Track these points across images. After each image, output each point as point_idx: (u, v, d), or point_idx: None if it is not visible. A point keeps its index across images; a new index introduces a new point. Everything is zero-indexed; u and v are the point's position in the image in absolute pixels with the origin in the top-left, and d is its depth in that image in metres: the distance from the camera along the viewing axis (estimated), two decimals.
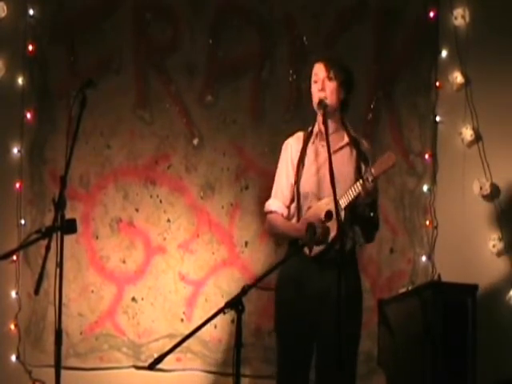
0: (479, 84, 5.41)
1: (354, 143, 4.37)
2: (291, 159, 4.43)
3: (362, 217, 4.27)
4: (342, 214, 4.18)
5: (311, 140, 4.43)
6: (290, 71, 5.51)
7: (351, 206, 4.18)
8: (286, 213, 4.43)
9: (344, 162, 4.30)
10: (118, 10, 5.59)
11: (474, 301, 4.60)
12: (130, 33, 5.60)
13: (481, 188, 5.39)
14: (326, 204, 4.25)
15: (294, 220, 4.40)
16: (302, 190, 4.36)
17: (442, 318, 4.54)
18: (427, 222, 5.44)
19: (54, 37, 5.59)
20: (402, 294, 4.99)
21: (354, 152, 4.36)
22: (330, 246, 4.18)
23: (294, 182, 4.40)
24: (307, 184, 4.35)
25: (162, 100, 5.58)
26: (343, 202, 4.19)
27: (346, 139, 4.38)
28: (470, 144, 5.44)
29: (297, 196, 4.38)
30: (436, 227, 5.42)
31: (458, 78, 5.44)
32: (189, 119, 5.57)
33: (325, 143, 4.32)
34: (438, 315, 4.53)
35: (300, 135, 4.49)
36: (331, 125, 4.35)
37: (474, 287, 4.70)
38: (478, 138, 5.42)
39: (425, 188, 5.46)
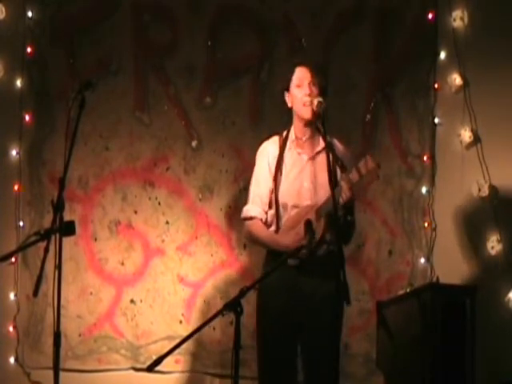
0: (478, 86, 5.41)
1: (329, 148, 4.34)
2: (268, 165, 4.41)
3: (340, 221, 4.25)
4: (322, 220, 4.19)
5: (287, 146, 4.41)
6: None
7: (330, 211, 4.14)
8: (264, 218, 4.42)
9: (321, 168, 4.27)
10: (116, 11, 5.59)
11: (472, 302, 4.60)
12: (129, 34, 5.60)
13: (479, 190, 5.39)
14: (306, 212, 4.25)
15: (273, 228, 4.40)
16: (280, 199, 4.35)
17: (440, 320, 4.53)
18: (426, 224, 5.44)
19: (53, 38, 5.60)
20: (401, 295, 4.98)
21: (330, 157, 4.34)
22: (313, 252, 4.20)
23: (272, 188, 4.39)
24: (286, 194, 4.34)
25: (160, 102, 5.58)
26: (323, 209, 4.19)
27: (322, 144, 4.35)
28: (469, 146, 5.44)
29: (276, 205, 4.37)
30: (435, 229, 5.42)
31: (456, 79, 5.44)
32: (187, 121, 5.57)
33: (301, 150, 4.34)
34: (436, 317, 4.53)
35: (276, 140, 4.48)
36: (308, 130, 4.36)
37: (473, 289, 4.69)
38: (476, 139, 5.42)
39: (423, 190, 5.46)
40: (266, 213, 4.43)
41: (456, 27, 5.46)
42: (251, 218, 4.44)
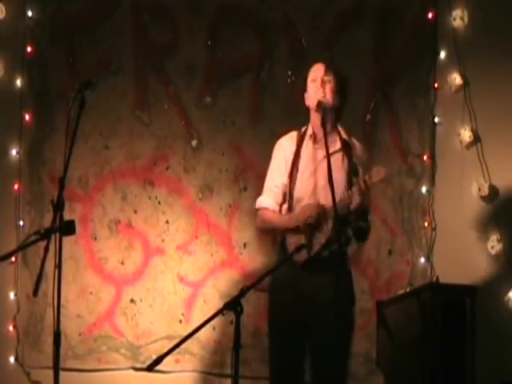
0: (478, 85, 5.42)
1: (346, 149, 4.34)
2: (285, 160, 4.41)
3: (352, 225, 4.27)
4: (330, 222, 4.19)
5: (305, 142, 4.41)
6: (289, 72, 5.51)
7: (340, 213, 4.11)
8: (277, 210, 4.42)
9: (335, 167, 4.24)
10: (116, 11, 5.59)
11: (472, 302, 4.60)
12: (129, 34, 5.60)
13: (479, 189, 5.39)
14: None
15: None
16: (295, 194, 4.35)
17: (440, 320, 4.53)
18: (426, 224, 5.44)
19: (53, 38, 5.60)
20: (401, 295, 4.99)
21: (346, 160, 4.33)
22: (321, 250, 4.20)
23: (286, 183, 4.39)
24: (301, 189, 4.34)
25: (160, 101, 5.59)
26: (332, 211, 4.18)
27: (339, 144, 4.35)
28: (469, 145, 5.44)
29: (289, 199, 4.37)
30: (434, 228, 5.42)
31: (456, 79, 5.45)
32: (187, 120, 5.57)
33: (318, 146, 4.34)
34: (436, 317, 4.53)
35: (294, 135, 4.47)
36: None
37: (473, 288, 4.69)
38: (476, 139, 5.42)
39: (423, 189, 5.46)
40: (280, 205, 4.42)
41: (456, 27, 5.47)
42: (263, 209, 4.44)
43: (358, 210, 4.19)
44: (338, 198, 4.10)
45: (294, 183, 4.36)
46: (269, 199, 4.43)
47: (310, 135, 4.40)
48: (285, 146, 4.44)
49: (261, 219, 4.48)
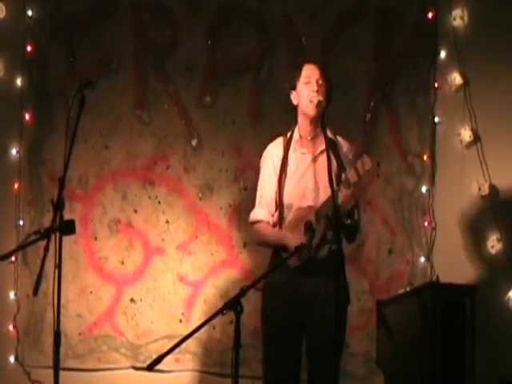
0: (478, 85, 5.42)
1: (332, 147, 4.29)
2: (274, 167, 4.40)
3: (341, 223, 4.23)
4: (322, 222, 4.18)
5: (292, 147, 4.40)
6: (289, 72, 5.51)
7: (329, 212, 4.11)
8: (271, 221, 4.41)
9: (323, 168, 4.23)
10: (116, 10, 5.59)
11: (472, 302, 4.60)
12: (129, 33, 5.61)
13: (479, 189, 5.40)
14: (307, 214, 4.24)
15: (277, 229, 4.38)
16: (285, 200, 4.34)
17: (440, 319, 4.53)
18: (426, 223, 5.45)
19: (53, 37, 5.60)
20: (401, 295, 4.98)
21: (333, 158, 4.29)
22: (315, 253, 4.19)
23: (277, 190, 4.37)
24: (290, 195, 4.32)
25: (160, 100, 5.59)
26: (322, 211, 4.17)
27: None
28: (469, 145, 5.45)
29: (279, 206, 4.36)
30: (434, 228, 5.43)
31: (456, 78, 5.45)
32: (187, 120, 5.57)
33: (306, 150, 4.35)
34: (436, 316, 4.53)
35: (280, 141, 4.46)
36: (312, 129, 4.34)
37: (473, 288, 4.70)
38: (476, 138, 5.43)
39: (423, 189, 5.46)
40: (273, 215, 4.41)
41: (456, 26, 5.47)
42: (258, 222, 4.44)
43: (346, 206, 4.14)
44: (325, 198, 4.13)
45: (283, 189, 4.35)
46: (262, 210, 4.42)
47: (297, 140, 4.39)
48: (272, 153, 4.44)
49: (256, 233, 4.47)
